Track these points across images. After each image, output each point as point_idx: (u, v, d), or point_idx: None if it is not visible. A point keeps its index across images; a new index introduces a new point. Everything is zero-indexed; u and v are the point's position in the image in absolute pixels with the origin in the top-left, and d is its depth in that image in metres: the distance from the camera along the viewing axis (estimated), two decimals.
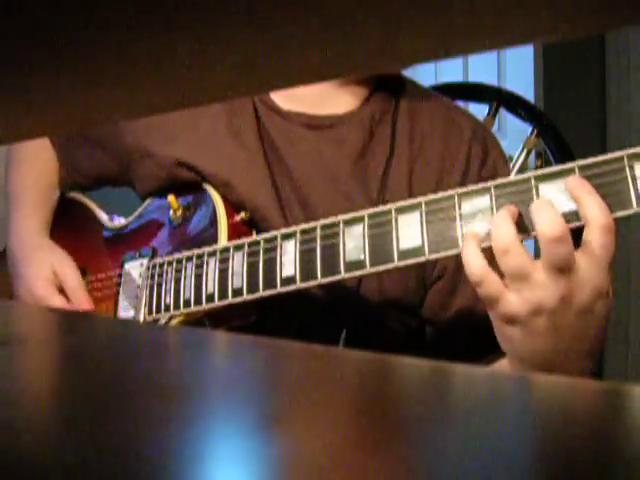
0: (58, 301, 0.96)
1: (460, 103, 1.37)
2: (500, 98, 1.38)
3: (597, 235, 0.61)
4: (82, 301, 0.96)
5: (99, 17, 0.20)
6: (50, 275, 0.97)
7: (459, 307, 0.87)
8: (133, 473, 0.18)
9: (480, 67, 2.11)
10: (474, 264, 0.64)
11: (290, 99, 0.93)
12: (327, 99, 0.93)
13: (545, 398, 0.26)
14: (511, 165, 1.32)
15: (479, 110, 1.32)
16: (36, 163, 1.09)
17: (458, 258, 0.68)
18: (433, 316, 0.89)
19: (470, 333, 0.85)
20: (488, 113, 1.36)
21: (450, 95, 1.33)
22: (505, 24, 0.21)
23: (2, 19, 0.20)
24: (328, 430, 0.22)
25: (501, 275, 0.64)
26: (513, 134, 1.76)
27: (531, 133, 1.35)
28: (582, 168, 0.64)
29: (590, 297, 0.63)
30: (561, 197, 0.64)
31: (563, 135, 1.34)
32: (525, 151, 1.37)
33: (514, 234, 0.63)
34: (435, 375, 0.29)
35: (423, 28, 0.21)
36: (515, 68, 2.10)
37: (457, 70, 2.11)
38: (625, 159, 0.62)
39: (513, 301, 0.64)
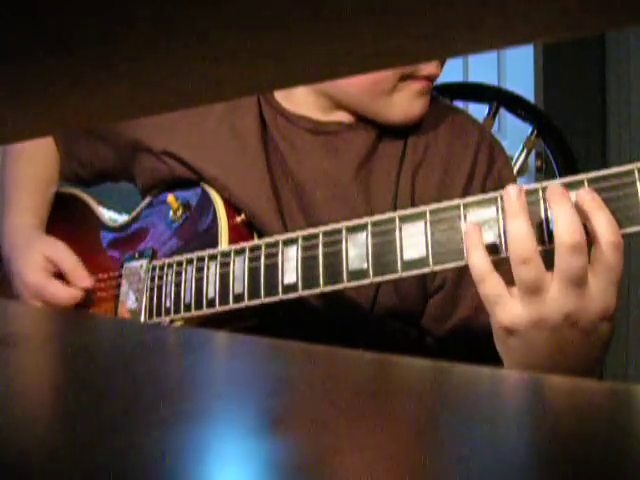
0: (53, 287, 0.92)
1: (460, 103, 1.37)
2: (500, 98, 1.37)
3: (607, 253, 0.59)
4: (82, 279, 0.92)
5: (99, 17, 0.20)
6: (42, 262, 0.93)
7: (459, 319, 0.86)
8: (135, 472, 0.18)
9: (480, 67, 2.11)
10: (478, 261, 0.62)
11: (297, 102, 0.92)
12: (333, 105, 0.92)
13: (545, 398, 0.26)
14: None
15: (479, 110, 1.31)
16: (33, 159, 1.07)
17: (459, 269, 0.66)
18: (433, 327, 0.87)
19: (469, 345, 0.84)
20: (488, 113, 1.36)
21: (450, 95, 1.33)
22: (505, 24, 0.21)
23: (3, 19, 0.20)
24: (330, 430, 0.22)
25: (506, 279, 0.62)
26: (513, 134, 1.76)
27: (531, 133, 1.35)
28: (591, 181, 0.61)
29: (596, 317, 0.61)
30: None
31: (563, 135, 1.34)
32: (525, 151, 1.37)
33: (535, 243, 0.60)
34: (437, 375, 0.29)
35: (422, 28, 0.21)
36: (515, 68, 2.10)
37: (457, 70, 2.11)
38: (636, 173, 0.59)
39: (515, 310, 0.62)
